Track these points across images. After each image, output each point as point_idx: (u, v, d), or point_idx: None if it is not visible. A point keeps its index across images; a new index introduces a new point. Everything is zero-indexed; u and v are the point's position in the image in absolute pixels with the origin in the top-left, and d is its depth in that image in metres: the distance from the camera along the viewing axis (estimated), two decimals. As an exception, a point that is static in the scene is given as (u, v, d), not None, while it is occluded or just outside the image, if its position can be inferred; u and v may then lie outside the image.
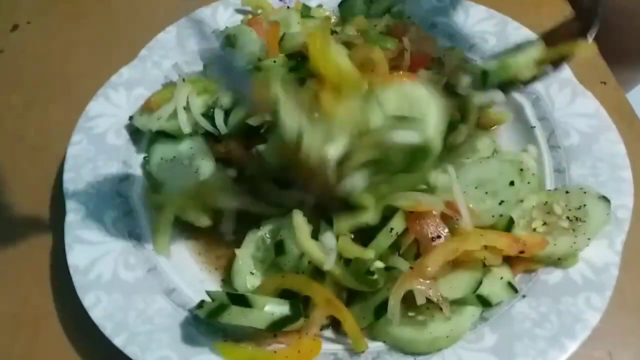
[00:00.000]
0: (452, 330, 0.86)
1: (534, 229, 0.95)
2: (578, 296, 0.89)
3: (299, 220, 0.93)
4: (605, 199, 0.95)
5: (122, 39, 1.36)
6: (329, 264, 0.89)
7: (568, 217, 0.94)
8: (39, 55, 1.37)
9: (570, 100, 1.11)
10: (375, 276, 0.89)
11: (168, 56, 1.22)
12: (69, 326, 0.98)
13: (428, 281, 0.85)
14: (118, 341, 0.88)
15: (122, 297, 0.93)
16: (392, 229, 0.90)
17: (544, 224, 0.95)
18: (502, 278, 0.91)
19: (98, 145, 1.09)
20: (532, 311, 0.89)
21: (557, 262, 0.93)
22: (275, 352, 0.87)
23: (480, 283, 0.88)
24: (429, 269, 0.84)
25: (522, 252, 0.90)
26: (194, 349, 0.88)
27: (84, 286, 0.93)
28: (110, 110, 1.14)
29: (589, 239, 0.92)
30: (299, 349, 0.88)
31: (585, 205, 0.94)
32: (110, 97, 1.15)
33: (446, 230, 0.90)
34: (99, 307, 0.91)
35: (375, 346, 0.89)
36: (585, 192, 0.96)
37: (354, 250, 0.91)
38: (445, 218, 0.91)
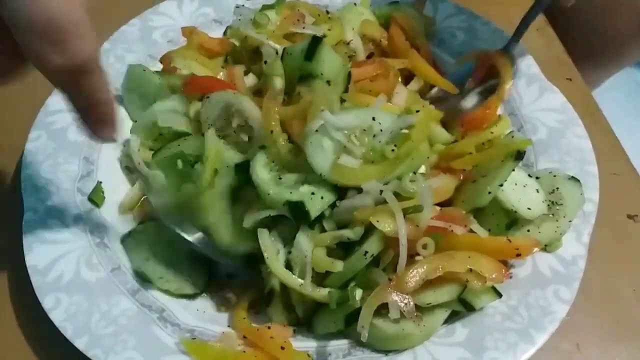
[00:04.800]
0: (425, 327, 0.86)
1: None
2: (547, 289, 0.90)
3: (266, 242, 0.89)
4: (575, 180, 0.97)
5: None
6: (306, 286, 0.87)
7: (544, 202, 0.95)
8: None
9: (537, 95, 1.12)
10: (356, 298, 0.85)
11: (132, 50, 1.18)
12: (28, 329, 0.94)
13: (405, 295, 0.83)
14: (80, 344, 0.84)
15: (85, 298, 0.89)
16: (366, 252, 0.86)
17: None
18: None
19: (58, 141, 1.05)
20: (502, 305, 0.89)
21: (543, 248, 0.93)
22: (244, 351, 0.85)
23: (465, 288, 0.86)
24: (408, 284, 0.82)
25: (518, 255, 0.88)
26: (160, 350, 0.85)
27: (43, 287, 0.89)
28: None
29: (570, 221, 0.94)
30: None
31: (557, 188, 0.97)
32: (71, 91, 1.11)
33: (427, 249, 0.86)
34: (60, 309, 0.87)
35: (346, 343, 0.89)
36: (555, 176, 0.98)
37: (324, 263, 0.88)
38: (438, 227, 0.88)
